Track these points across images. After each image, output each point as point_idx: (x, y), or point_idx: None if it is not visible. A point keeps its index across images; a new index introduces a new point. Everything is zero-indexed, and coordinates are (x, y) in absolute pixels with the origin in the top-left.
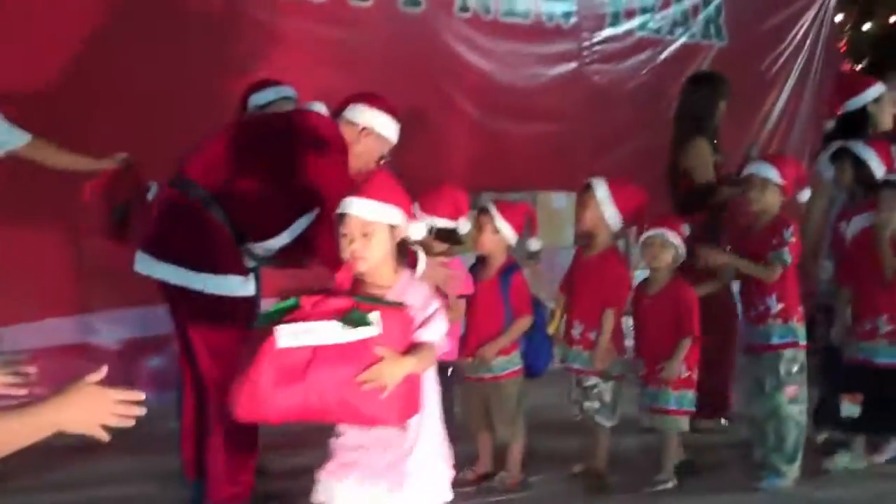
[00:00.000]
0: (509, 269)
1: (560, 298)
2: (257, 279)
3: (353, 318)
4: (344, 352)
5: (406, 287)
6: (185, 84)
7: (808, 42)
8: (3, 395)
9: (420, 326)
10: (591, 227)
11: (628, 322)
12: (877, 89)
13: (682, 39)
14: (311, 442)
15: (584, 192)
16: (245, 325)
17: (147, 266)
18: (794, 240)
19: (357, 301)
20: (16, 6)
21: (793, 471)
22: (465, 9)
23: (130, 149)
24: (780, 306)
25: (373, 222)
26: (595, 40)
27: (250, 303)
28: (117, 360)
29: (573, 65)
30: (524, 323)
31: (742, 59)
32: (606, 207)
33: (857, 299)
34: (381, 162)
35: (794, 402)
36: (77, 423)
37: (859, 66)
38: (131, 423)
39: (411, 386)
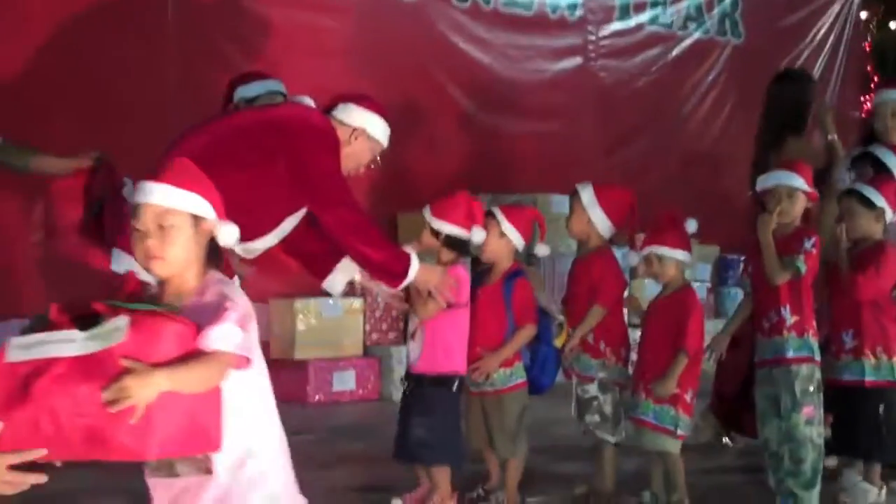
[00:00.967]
0: (513, 275)
1: (565, 311)
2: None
3: (92, 324)
4: (84, 366)
5: (204, 290)
6: (163, 77)
7: (830, 40)
8: None
9: (203, 332)
10: (579, 233)
11: (635, 335)
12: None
13: (696, 35)
14: None
15: (573, 197)
16: None
17: (125, 265)
18: (814, 251)
19: (108, 305)
20: None
21: (811, 497)
22: None
23: (103, 144)
24: (795, 318)
25: (172, 211)
26: (602, 34)
27: None
28: None
29: (578, 60)
30: (527, 333)
31: (759, 58)
32: (593, 212)
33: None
34: (372, 166)
35: (811, 423)
36: None
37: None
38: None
39: (185, 408)
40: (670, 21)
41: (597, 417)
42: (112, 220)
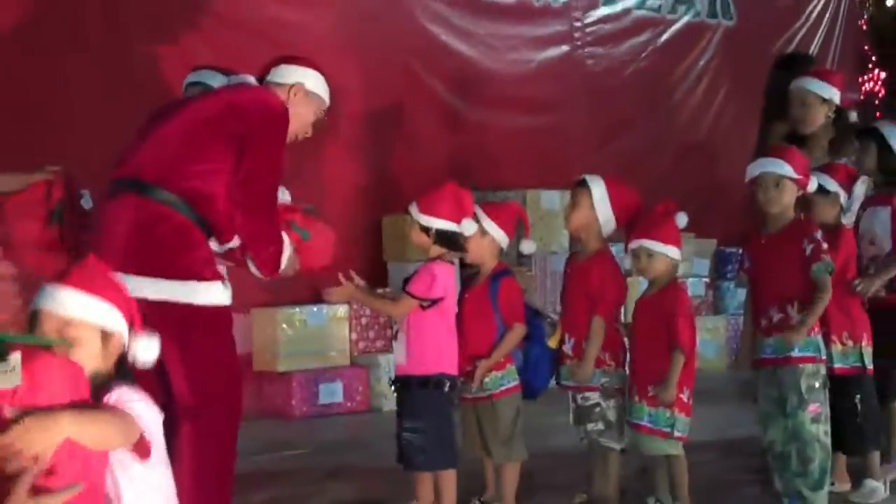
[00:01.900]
0: (498, 274)
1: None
2: None
3: None
4: None
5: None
6: (129, 78)
7: (825, 19)
8: None
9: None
10: (579, 229)
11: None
12: None
13: (686, 18)
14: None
15: (578, 189)
16: (228, 338)
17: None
18: (825, 245)
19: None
20: None
21: (819, 498)
22: None
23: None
24: (801, 316)
25: (75, 322)
26: (588, 21)
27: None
28: None
29: (564, 48)
30: (516, 333)
31: (752, 40)
32: (602, 208)
33: None
34: (319, 126)
35: (818, 420)
36: None
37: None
38: None
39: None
40: (658, 4)
41: (601, 425)
42: (71, 233)
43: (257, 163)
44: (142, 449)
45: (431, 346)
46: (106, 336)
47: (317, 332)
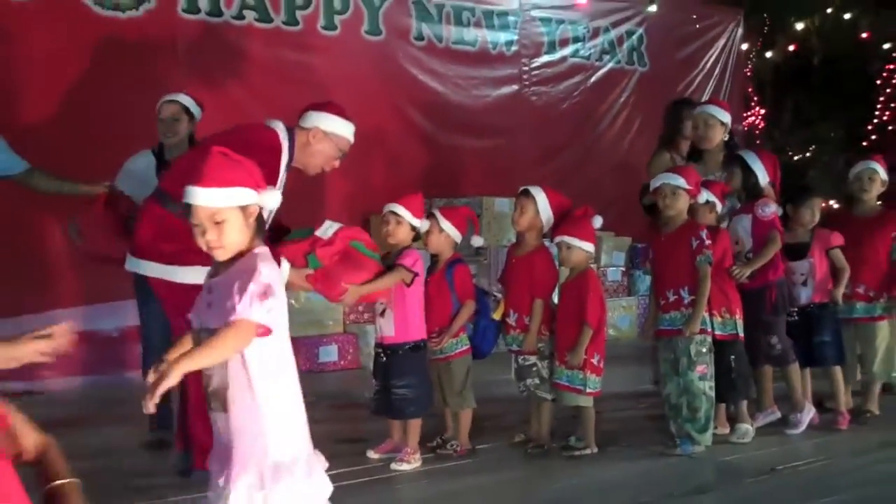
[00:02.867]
0: (453, 262)
1: (503, 290)
2: None
3: None
4: None
5: (246, 258)
6: None
7: (718, 67)
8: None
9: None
10: (527, 229)
11: None
12: None
13: (609, 65)
14: None
15: (524, 198)
16: None
17: (134, 265)
18: (708, 241)
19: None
20: None
21: (705, 439)
22: (420, 37)
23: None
24: (691, 298)
25: (221, 209)
26: (534, 66)
27: None
28: (115, 346)
29: (515, 87)
30: (468, 308)
31: (661, 83)
32: (545, 212)
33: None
34: (340, 160)
35: (704, 378)
36: None
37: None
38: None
39: None
40: (589, 54)
41: (537, 380)
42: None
43: None
44: (263, 331)
45: (414, 317)
46: (243, 209)
47: (317, 306)
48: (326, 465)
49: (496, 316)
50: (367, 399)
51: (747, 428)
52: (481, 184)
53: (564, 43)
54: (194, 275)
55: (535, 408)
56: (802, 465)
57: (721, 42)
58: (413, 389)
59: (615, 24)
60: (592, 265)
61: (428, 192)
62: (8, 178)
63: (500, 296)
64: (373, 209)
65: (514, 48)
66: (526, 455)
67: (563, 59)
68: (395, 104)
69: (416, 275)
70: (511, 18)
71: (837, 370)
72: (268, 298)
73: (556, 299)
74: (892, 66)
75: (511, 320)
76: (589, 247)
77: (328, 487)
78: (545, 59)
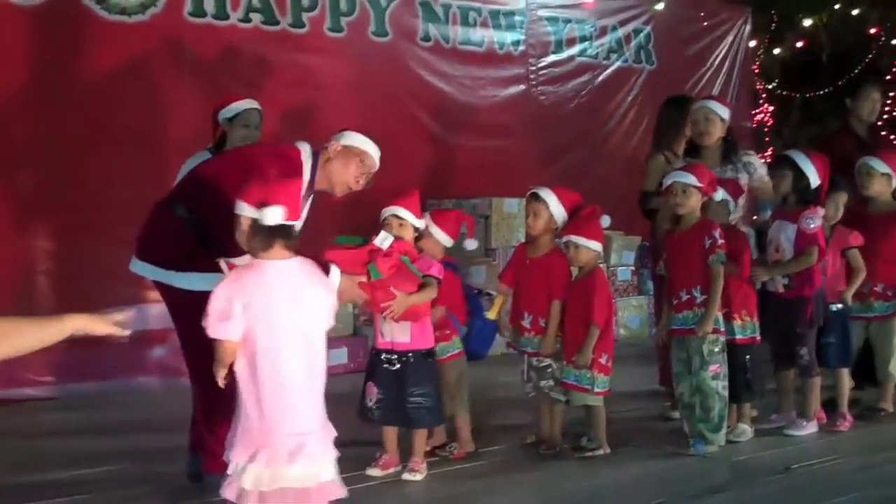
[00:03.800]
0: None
1: (501, 288)
2: None
3: None
4: None
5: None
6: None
7: (726, 65)
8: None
9: None
10: (541, 231)
11: None
12: None
13: (617, 64)
14: None
15: (535, 202)
16: None
17: (138, 268)
18: (721, 240)
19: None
20: None
21: (718, 438)
22: (427, 38)
23: (137, 167)
24: (704, 297)
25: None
26: (541, 65)
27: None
28: (129, 350)
29: (522, 87)
30: (437, 311)
31: (669, 80)
32: (558, 213)
33: None
34: (366, 179)
35: (717, 378)
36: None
37: (770, 85)
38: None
39: None
40: (596, 53)
41: (551, 382)
42: None
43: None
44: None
45: (427, 323)
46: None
47: None
48: (335, 434)
49: (491, 315)
50: (366, 407)
51: (745, 428)
52: (490, 184)
53: (571, 42)
54: (192, 281)
55: (548, 409)
56: (817, 464)
57: (729, 39)
58: (430, 398)
59: (622, 23)
60: (601, 264)
61: (437, 194)
62: None
63: (494, 293)
64: (386, 205)
65: (521, 48)
66: (538, 456)
67: (571, 58)
68: (403, 105)
69: (440, 282)
70: (518, 18)
71: (844, 372)
72: (228, 315)
73: None
74: None
75: (526, 322)
76: (597, 246)
77: (318, 477)
78: (552, 58)
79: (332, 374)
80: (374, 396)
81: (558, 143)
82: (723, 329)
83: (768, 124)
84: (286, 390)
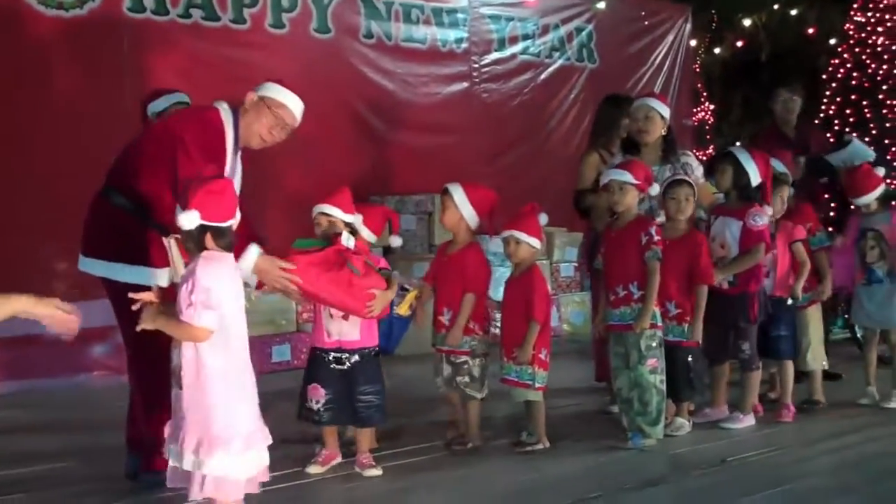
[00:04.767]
0: None
1: (420, 285)
2: None
3: None
4: None
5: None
6: (121, 102)
7: (667, 63)
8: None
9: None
10: (452, 226)
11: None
12: None
13: (560, 62)
14: None
15: (444, 196)
16: None
17: (86, 266)
18: (658, 238)
19: None
20: None
21: (656, 432)
22: (369, 35)
23: (74, 155)
24: (641, 293)
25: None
26: (483, 63)
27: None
28: (70, 348)
29: (465, 84)
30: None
31: (611, 79)
32: (464, 207)
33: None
34: (283, 130)
35: (655, 372)
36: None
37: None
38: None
39: None
40: (539, 51)
41: (467, 378)
42: None
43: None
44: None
45: (373, 321)
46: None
47: (270, 306)
48: (269, 440)
49: (400, 311)
50: (311, 409)
51: (683, 422)
52: (432, 181)
53: (514, 40)
54: (139, 275)
55: (463, 406)
56: (752, 457)
57: (670, 38)
58: (380, 396)
59: (564, 21)
60: (540, 261)
61: (379, 190)
62: None
63: (410, 288)
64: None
65: (463, 45)
66: (466, 452)
67: (513, 56)
68: (345, 102)
69: None
70: (460, 16)
71: (789, 364)
72: (210, 304)
73: (497, 297)
74: (837, 61)
75: (444, 318)
76: (535, 242)
77: (263, 462)
78: (495, 56)
79: (276, 370)
80: (320, 398)
81: (501, 140)
82: (660, 324)
83: (709, 122)
84: (249, 379)
